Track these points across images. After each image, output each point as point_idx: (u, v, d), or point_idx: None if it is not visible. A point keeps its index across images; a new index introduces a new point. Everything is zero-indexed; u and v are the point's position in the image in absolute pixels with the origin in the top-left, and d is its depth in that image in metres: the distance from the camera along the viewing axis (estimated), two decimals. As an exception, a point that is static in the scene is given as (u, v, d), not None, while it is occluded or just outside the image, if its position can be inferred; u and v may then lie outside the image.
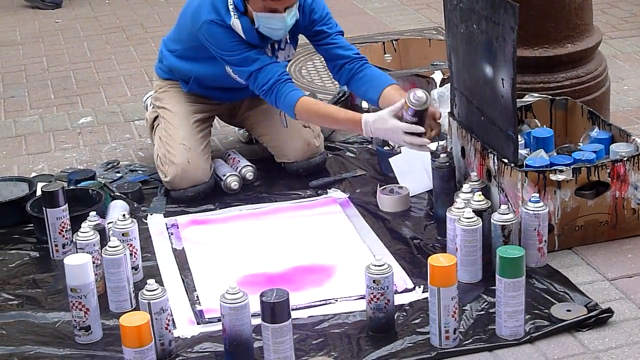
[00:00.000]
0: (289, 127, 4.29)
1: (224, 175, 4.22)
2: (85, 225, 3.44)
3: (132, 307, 3.36)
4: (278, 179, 4.31)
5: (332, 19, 4.21)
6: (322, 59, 5.85)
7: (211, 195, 4.18)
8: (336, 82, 5.20)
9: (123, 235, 3.50)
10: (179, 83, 4.33)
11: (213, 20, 3.96)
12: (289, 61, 4.32)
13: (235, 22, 3.95)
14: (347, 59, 4.12)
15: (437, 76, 4.52)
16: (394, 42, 5.17)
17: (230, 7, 3.94)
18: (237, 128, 4.74)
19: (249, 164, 4.32)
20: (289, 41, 4.17)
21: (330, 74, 5.53)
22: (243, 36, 3.97)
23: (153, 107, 4.44)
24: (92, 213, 3.53)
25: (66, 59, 6.26)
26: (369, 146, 4.57)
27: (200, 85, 4.30)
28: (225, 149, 4.56)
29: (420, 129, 3.67)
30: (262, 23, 3.90)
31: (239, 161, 4.35)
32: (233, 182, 4.20)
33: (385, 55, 5.08)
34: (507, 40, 3.41)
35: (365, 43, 5.85)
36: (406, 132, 3.69)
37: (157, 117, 4.36)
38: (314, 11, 4.10)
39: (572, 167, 3.53)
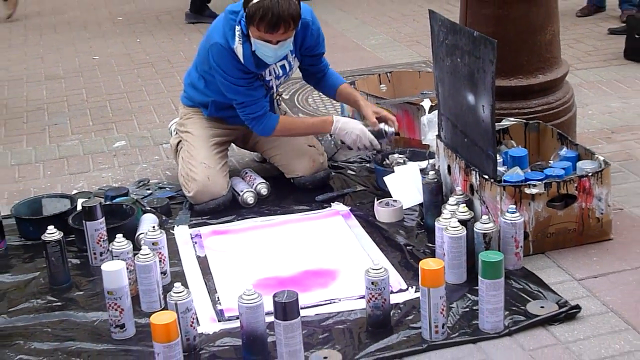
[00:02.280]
0: (295, 147, 4.31)
1: (241, 191, 4.22)
2: (120, 237, 3.45)
3: (161, 307, 3.36)
4: (288, 194, 4.30)
5: (322, 46, 4.29)
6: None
7: (230, 208, 4.18)
8: (338, 108, 5.23)
9: (153, 244, 3.50)
10: (201, 110, 4.34)
11: (220, 43, 3.99)
12: (285, 75, 4.29)
13: (239, 48, 3.95)
14: (318, 71, 4.38)
15: (426, 104, 4.52)
16: (388, 74, 5.18)
17: (237, 32, 3.94)
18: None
19: (263, 180, 4.31)
20: (291, 62, 4.20)
21: (333, 102, 5.61)
22: (242, 61, 3.97)
23: (177, 133, 4.45)
24: (119, 236, 3.47)
25: (102, 90, 6.28)
26: (368, 165, 4.56)
27: (217, 108, 4.28)
28: (242, 167, 4.56)
29: (378, 146, 4.21)
30: (257, 48, 3.92)
31: (254, 179, 4.34)
32: (249, 198, 4.20)
33: (381, 86, 5.08)
34: (486, 71, 3.42)
35: (363, 75, 5.87)
36: (367, 139, 4.12)
37: (179, 142, 4.37)
38: (312, 34, 4.16)
39: (544, 182, 3.53)
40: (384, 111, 4.23)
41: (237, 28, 3.94)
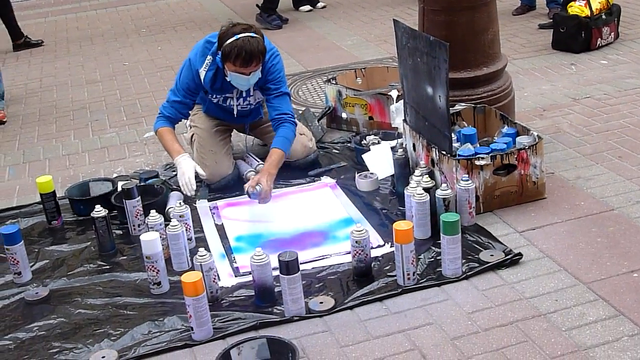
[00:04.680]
0: None
1: (245, 172, 4.23)
2: (154, 212, 3.49)
3: (188, 266, 3.40)
4: (285, 171, 4.21)
5: (281, 82, 4.07)
6: (314, 83, 5.92)
7: (239, 184, 4.17)
8: (323, 99, 5.23)
9: (180, 217, 3.53)
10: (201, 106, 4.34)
11: (192, 60, 4.03)
12: (259, 102, 4.26)
13: (202, 73, 3.99)
14: (272, 116, 4.06)
15: (394, 93, 4.53)
16: (362, 69, 5.17)
17: (207, 61, 3.96)
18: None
19: (261, 162, 4.28)
20: (254, 89, 4.10)
21: (319, 94, 5.61)
22: (201, 82, 4.00)
23: (190, 127, 4.41)
24: (152, 211, 3.52)
25: (133, 91, 6.26)
26: (349, 145, 4.56)
27: (209, 109, 4.28)
28: (248, 151, 4.57)
29: (188, 192, 3.90)
30: (232, 79, 3.90)
31: (254, 161, 4.33)
32: (252, 177, 4.19)
33: (357, 79, 5.08)
34: (441, 68, 3.44)
35: (342, 70, 5.88)
36: (184, 180, 3.92)
37: (192, 135, 4.33)
38: (269, 72, 4.01)
39: (490, 155, 3.57)
40: (262, 182, 3.82)
41: (209, 58, 3.96)
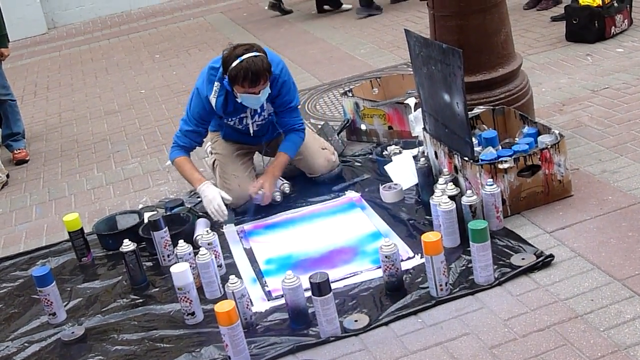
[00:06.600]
0: (312, 151, 4.31)
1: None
2: (182, 242, 3.51)
3: (221, 294, 3.40)
4: (310, 188, 4.30)
5: (289, 94, 4.15)
6: (331, 96, 5.92)
7: (265, 207, 4.17)
8: (341, 112, 5.23)
9: (208, 244, 3.55)
10: (219, 132, 4.39)
11: (199, 89, 4.07)
12: (270, 114, 4.26)
13: (213, 100, 4.02)
14: (283, 129, 4.25)
15: (411, 101, 4.52)
16: (378, 79, 5.17)
17: (215, 87, 3.99)
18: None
19: (286, 181, 4.31)
20: (266, 102, 4.13)
21: (337, 107, 5.60)
22: (215, 109, 4.04)
23: (211, 153, 4.48)
24: (181, 241, 3.54)
25: (151, 118, 6.29)
26: (370, 156, 4.54)
27: (227, 134, 4.32)
28: (270, 170, 4.57)
29: (222, 217, 4.03)
30: (243, 100, 3.95)
31: (278, 181, 4.31)
32: (277, 196, 4.20)
33: (373, 90, 5.08)
34: (457, 75, 3.43)
35: (358, 80, 5.87)
36: (214, 205, 4.02)
37: (214, 161, 4.39)
38: (279, 84, 4.07)
39: (513, 157, 3.55)
40: (265, 186, 4.08)
41: (216, 84, 3.99)
